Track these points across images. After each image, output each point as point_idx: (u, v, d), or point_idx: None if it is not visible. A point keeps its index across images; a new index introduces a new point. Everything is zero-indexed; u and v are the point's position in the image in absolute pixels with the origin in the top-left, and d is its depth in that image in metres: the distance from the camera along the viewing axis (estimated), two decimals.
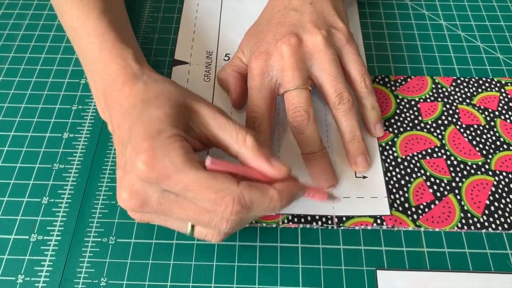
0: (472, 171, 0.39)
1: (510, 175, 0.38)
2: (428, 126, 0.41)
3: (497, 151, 0.40)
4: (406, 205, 0.37)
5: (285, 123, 0.41)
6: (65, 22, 0.39)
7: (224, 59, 0.45)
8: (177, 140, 0.29)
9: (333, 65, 0.37)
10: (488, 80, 0.44)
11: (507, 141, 0.40)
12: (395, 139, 0.40)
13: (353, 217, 0.36)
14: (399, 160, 0.39)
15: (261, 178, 0.30)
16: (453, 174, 0.38)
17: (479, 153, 0.40)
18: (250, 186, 0.29)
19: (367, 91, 0.39)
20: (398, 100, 0.43)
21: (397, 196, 0.37)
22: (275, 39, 0.38)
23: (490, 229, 0.36)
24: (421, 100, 0.43)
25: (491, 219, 0.36)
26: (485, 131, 0.41)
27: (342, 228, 0.36)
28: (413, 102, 0.43)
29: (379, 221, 0.36)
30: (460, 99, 0.43)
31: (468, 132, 0.41)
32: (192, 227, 0.31)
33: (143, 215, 0.32)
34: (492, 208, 0.37)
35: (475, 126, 0.41)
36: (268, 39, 0.38)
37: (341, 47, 0.39)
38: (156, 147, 0.28)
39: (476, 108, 0.42)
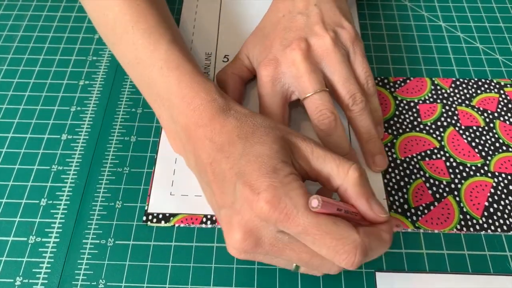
0: (471, 172, 0.39)
1: (509, 177, 0.38)
2: (427, 128, 0.41)
3: (496, 153, 0.40)
4: (405, 206, 0.37)
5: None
6: (123, 52, 0.37)
7: (223, 61, 0.45)
8: (294, 179, 0.28)
9: (343, 66, 0.37)
10: (487, 81, 0.44)
11: (506, 143, 0.40)
12: (394, 140, 0.40)
13: None
14: (398, 161, 0.39)
15: (359, 217, 0.30)
16: (452, 176, 0.38)
17: (478, 155, 0.40)
18: (368, 233, 0.28)
19: (370, 93, 0.39)
20: (397, 102, 0.43)
21: (396, 197, 0.37)
22: (283, 45, 0.38)
23: (489, 230, 0.36)
24: (420, 102, 0.43)
25: (490, 221, 0.36)
26: (484, 132, 0.41)
27: None
28: (412, 104, 0.43)
29: None
30: (459, 100, 0.43)
31: (467, 133, 0.41)
32: (296, 268, 0.31)
33: (248, 255, 0.30)
34: (491, 209, 0.37)
35: (474, 128, 0.41)
36: (276, 46, 0.38)
37: (349, 47, 0.38)
38: (276, 186, 0.27)
39: (475, 109, 0.42)
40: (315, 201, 0.27)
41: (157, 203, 0.37)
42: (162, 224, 0.36)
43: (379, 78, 0.44)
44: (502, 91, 0.43)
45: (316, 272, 0.31)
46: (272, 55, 0.38)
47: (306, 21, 0.39)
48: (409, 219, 0.36)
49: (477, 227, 0.36)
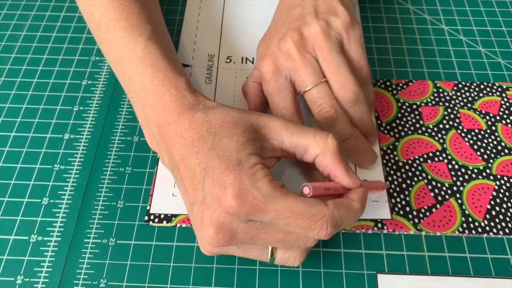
0: (473, 175, 0.39)
1: (511, 180, 0.38)
2: (429, 130, 0.41)
3: (498, 156, 0.40)
4: (407, 209, 0.37)
5: None
6: (107, 51, 0.37)
7: (225, 62, 0.45)
8: (259, 168, 0.29)
9: (333, 54, 0.37)
10: (490, 84, 0.44)
11: (508, 146, 0.40)
12: (396, 143, 0.40)
13: None
14: (400, 164, 0.39)
15: (338, 186, 0.31)
16: (454, 178, 0.38)
17: (480, 158, 0.40)
18: (338, 205, 0.29)
19: (363, 81, 0.39)
20: (399, 104, 0.43)
21: (398, 200, 0.37)
22: (278, 39, 0.38)
23: (491, 233, 0.36)
24: (423, 104, 0.43)
25: (492, 224, 0.36)
26: (486, 135, 0.41)
27: (342, 231, 0.36)
28: (414, 106, 0.43)
29: (380, 225, 0.36)
30: (462, 103, 0.43)
31: (469, 136, 0.41)
32: (271, 253, 0.31)
33: (222, 249, 0.31)
34: (493, 212, 0.37)
35: (476, 131, 0.41)
36: (274, 42, 0.38)
37: (342, 34, 0.38)
38: (242, 179, 0.28)
39: (478, 112, 0.42)
40: (306, 189, 0.29)
41: (159, 203, 0.37)
42: (164, 224, 0.36)
43: (381, 80, 0.44)
44: (504, 94, 0.43)
45: (291, 260, 0.32)
46: (270, 51, 0.38)
47: (301, 13, 0.38)
48: (411, 222, 0.36)
49: (479, 229, 0.36)
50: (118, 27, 0.36)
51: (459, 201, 0.37)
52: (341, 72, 0.36)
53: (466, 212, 0.37)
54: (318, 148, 0.31)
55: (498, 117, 0.42)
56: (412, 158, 0.39)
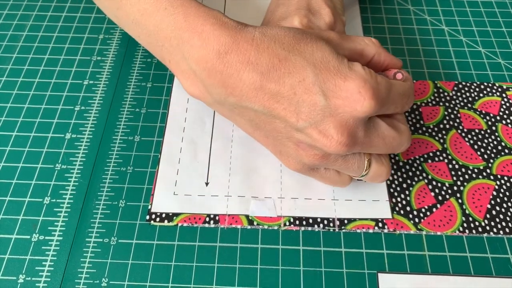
0: (474, 175, 0.39)
1: (511, 180, 0.39)
2: (429, 130, 0.41)
3: (498, 156, 0.40)
4: (408, 208, 0.37)
5: None
6: (127, 11, 0.35)
7: None
8: (366, 67, 0.30)
9: None
10: (490, 85, 0.44)
11: (508, 146, 0.40)
12: None
13: (354, 220, 0.36)
14: (401, 164, 0.39)
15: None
16: (454, 178, 0.39)
17: (480, 158, 0.40)
18: (407, 79, 0.33)
19: None
20: None
21: (398, 199, 0.38)
22: None
23: (491, 233, 0.36)
24: (423, 104, 0.43)
25: (492, 223, 0.36)
26: (487, 135, 0.41)
27: (343, 231, 0.36)
28: (414, 106, 0.43)
29: (380, 224, 0.36)
30: (462, 103, 0.43)
31: (469, 136, 0.41)
32: (368, 165, 0.33)
33: (329, 160, 0.32)
34: (494, 212, 0.37)
35: (477, 131, 0.41)
36: None
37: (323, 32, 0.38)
38: (367, 79, 0.29)
39: (478, 112, 0.42)
40: (399, 75, 0.33)
41: (161, 202, 0.37)
42: (165, 223, 0.36)
43: None
44: (504, 95, 0.44)
45: (384, 172, 0.33)
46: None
47: (286, 11, 0.38)
48: (412, 221, 0.36)
49: (480, 229, 0.36)
50: None
51: (460, 200, 0.37)
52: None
53: (467, 211, 0.37)
54: (373, 49, 0.33)
55: (498, 117, 0.42)
56: (412, 158, 0.40)
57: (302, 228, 0.36)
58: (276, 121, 0.31)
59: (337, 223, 0.36)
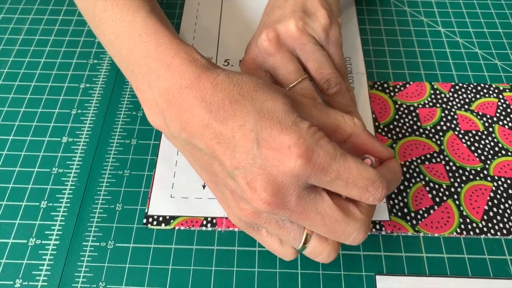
0: (471, 176, 0.39)
1: (508, 181, 0.39)
2: (427, 132, 0.41)
3: (495, 157, 0.40)
4: (405, 210, 0.37)
5: None
6: (103, 31, 0.35)
7: (223, 65, 0.46)
8: (316, 129, 0.28)
9: (313, 51, 0.37)
10: (486, 86, 0.44)
11: (505, 147, 0.40)
12: (394, 145, 0.41)
13: None
14: None
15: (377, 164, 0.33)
16: (452, 180, 0.39)
17: (477, 159, 0.40)
18: (386, 169, 0.31)
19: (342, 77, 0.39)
20: (397, 106, 0.43)
21: (396, 201, 0.37)
22: (257, 38, 0.38)
23: (489, 234, 0.36)
24: (420, 106, 0.43)
25: (490, 225, 0.36)
26: (484, 137, 0.41)
27: None
28: (411, 108, 0.43)
29: (378, 226, 0.36)
30: (459, 105, 0.43)
31: (466, 137, 0.41)
32: (305, 240, 0.29)
33: (261, 219, 0.29)
34: (491, 213, 0.37)
35: (474, 132, 0.41)
36: (254, 41, 0.39)
37: (320, 36, 0.38)
38: (305, 138, 0.27)
39: (475, 114, 0.42)
40: (368, 160, 0.31)
41: (158, 205, 0.37)
42: (162, 226, 0.36)
43: (378, 83, 0.45)
44: (501, 96, 0.44)
45: (324, 253, 0.30)
46: (251, 49, 0.38)
47: (282, 13, 0.39)
48: (409, 223, 0.36)
49: (477, 230, 0.36)
50: (116, 4, 0.34)
51: (457, 202, 0.37)
52: (323, 68, 0.37)
53: (464, 213, 0.37)
54: (349, 128, 0.31)
55: (495, 119, 0.42)
56: (409, 160, 0.40)
57: None
58: (215, 163, 0.30)
59: None
